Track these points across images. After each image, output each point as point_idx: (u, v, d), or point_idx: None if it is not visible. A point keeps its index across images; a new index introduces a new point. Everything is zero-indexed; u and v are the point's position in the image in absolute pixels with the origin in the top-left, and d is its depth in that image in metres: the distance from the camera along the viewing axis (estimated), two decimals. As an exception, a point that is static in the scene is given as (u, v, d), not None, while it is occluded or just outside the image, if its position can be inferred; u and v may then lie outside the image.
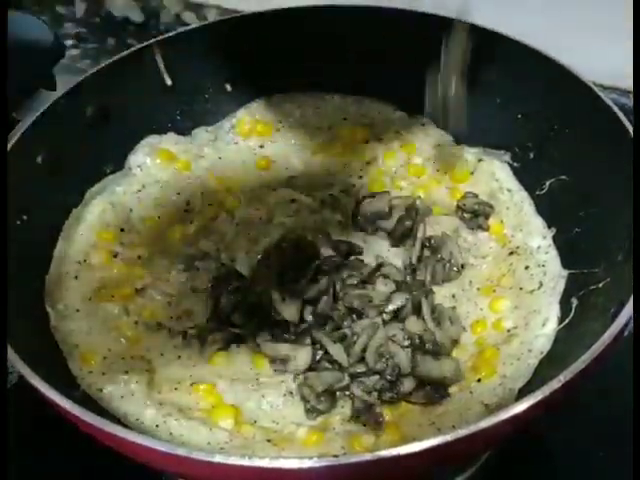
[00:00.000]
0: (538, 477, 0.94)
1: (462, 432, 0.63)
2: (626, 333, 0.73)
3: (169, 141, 1.12)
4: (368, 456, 0.62)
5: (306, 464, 0.62)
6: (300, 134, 1.16)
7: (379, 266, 0.96)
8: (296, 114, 1.17)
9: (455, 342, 0.90)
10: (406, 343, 0.86)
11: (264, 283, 0.94)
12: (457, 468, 0.92)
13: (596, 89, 0.94)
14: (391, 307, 0.90)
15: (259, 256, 0.99)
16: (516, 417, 0.64)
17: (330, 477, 0.65)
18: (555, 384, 0.65)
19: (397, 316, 0.90)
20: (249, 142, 1.16)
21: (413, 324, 0.88)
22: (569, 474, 0.93)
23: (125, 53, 1.08)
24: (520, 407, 0.64)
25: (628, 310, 0.71)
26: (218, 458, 0.63)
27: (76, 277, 0.96)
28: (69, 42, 1.64)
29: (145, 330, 0.93)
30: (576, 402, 0.86)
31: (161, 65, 1.11)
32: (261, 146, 1.15)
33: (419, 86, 1.11)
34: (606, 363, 0.71)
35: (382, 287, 0.92)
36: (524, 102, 1.04)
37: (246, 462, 0.62)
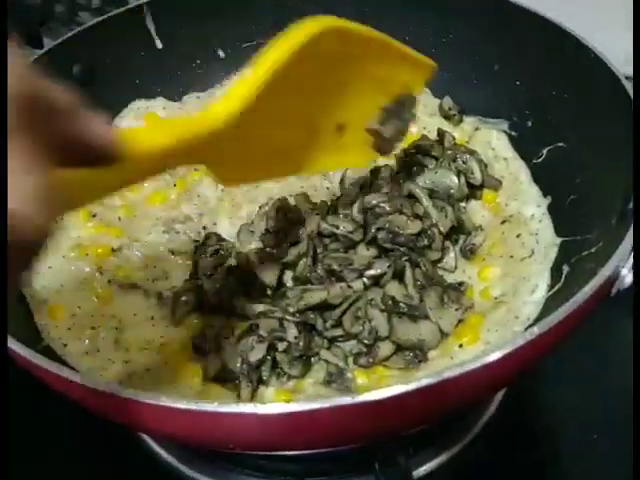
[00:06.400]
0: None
1: (426, 381, 0.58)
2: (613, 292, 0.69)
3: (158, 106, 1.10)
4: (326, 403, 0.58)
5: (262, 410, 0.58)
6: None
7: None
8: (289, 81, 1.14)
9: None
10: (383, 306, 0.82)
11: (245, 248, 0.91)
12: (441, 446, 0.88)
13: (597, 52, 0.90)
14: (372, 272, 0.85)
15: (243, 222, 0.96)
16: (488, 367, 0.60)
17: (285, 426, 0.61)
18: (528, 336, 0.61)
19: (378, 282, 0.85)
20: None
21: (394, 289, 0.84)
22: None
23: (114, 12, 1.05)
24: (492, 357, 0.60)
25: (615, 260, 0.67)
26: (165, 401, 0.59)
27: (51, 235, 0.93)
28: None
29: (118, 290, 0.89)
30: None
31: (151, 27, 1.08)
32: (252, 113, 1.12)
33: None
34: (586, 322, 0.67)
35: (364, 252, 0.88)
36: (522, 68, 1.00)
37: (194, 407, 0.59)
